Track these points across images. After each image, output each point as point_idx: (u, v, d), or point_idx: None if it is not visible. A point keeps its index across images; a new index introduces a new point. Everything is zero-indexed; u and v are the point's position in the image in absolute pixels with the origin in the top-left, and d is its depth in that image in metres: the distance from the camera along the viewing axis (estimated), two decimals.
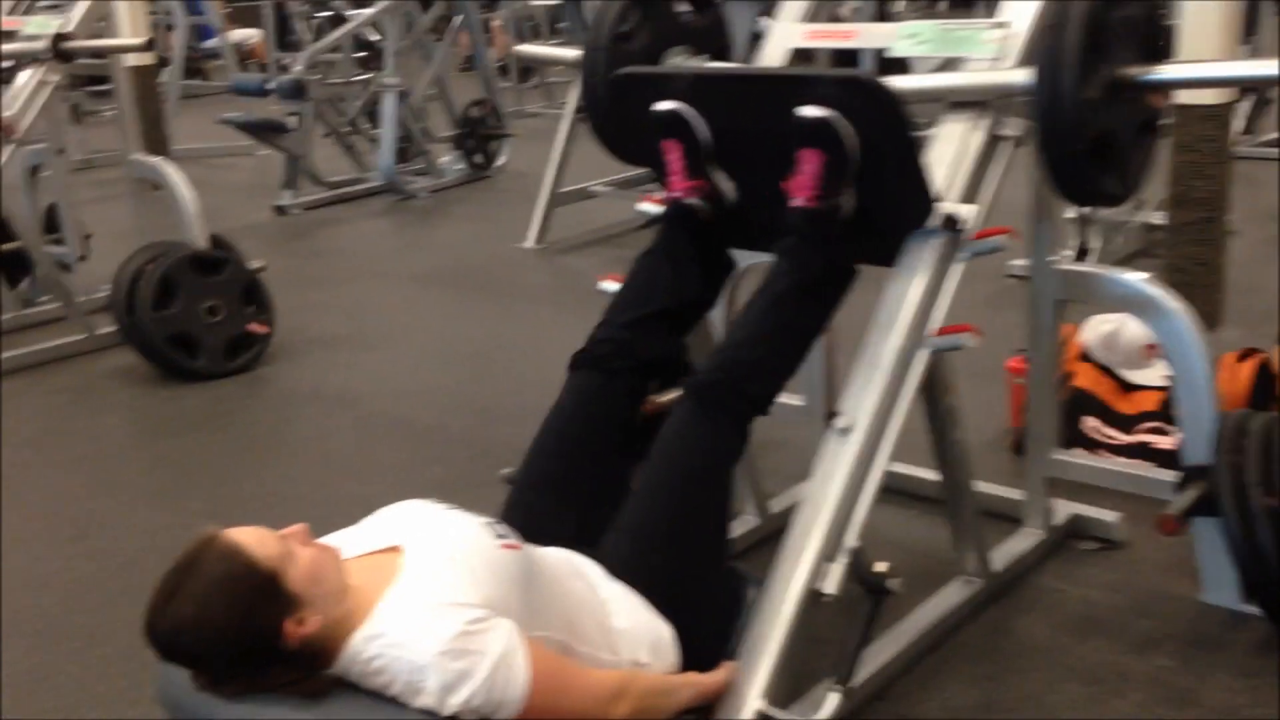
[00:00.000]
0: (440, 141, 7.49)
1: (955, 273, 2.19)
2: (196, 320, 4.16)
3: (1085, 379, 3.17)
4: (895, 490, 2.80)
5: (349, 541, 1.80)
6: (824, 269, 2.17)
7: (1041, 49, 2.10)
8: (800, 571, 2.01)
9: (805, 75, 2.23)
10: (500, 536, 1.82)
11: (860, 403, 2.11)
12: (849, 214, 2.16)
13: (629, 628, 1.89)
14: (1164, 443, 2.97)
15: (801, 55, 2.65)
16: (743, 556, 2.60)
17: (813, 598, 1.99)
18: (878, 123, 2.07)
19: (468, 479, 3.23)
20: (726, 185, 2.33)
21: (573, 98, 5.82)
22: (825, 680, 1.99)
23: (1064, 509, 2.81)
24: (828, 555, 2.02)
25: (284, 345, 4.42)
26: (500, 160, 7.58)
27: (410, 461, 3.48)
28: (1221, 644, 2.38)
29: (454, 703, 1.59)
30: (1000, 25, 2.30)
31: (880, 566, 2.01)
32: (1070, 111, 2.05)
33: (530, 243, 5.81)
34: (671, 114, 2.24)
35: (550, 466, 2.12)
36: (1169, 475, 2.58)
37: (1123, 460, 3.03)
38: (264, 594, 1.58)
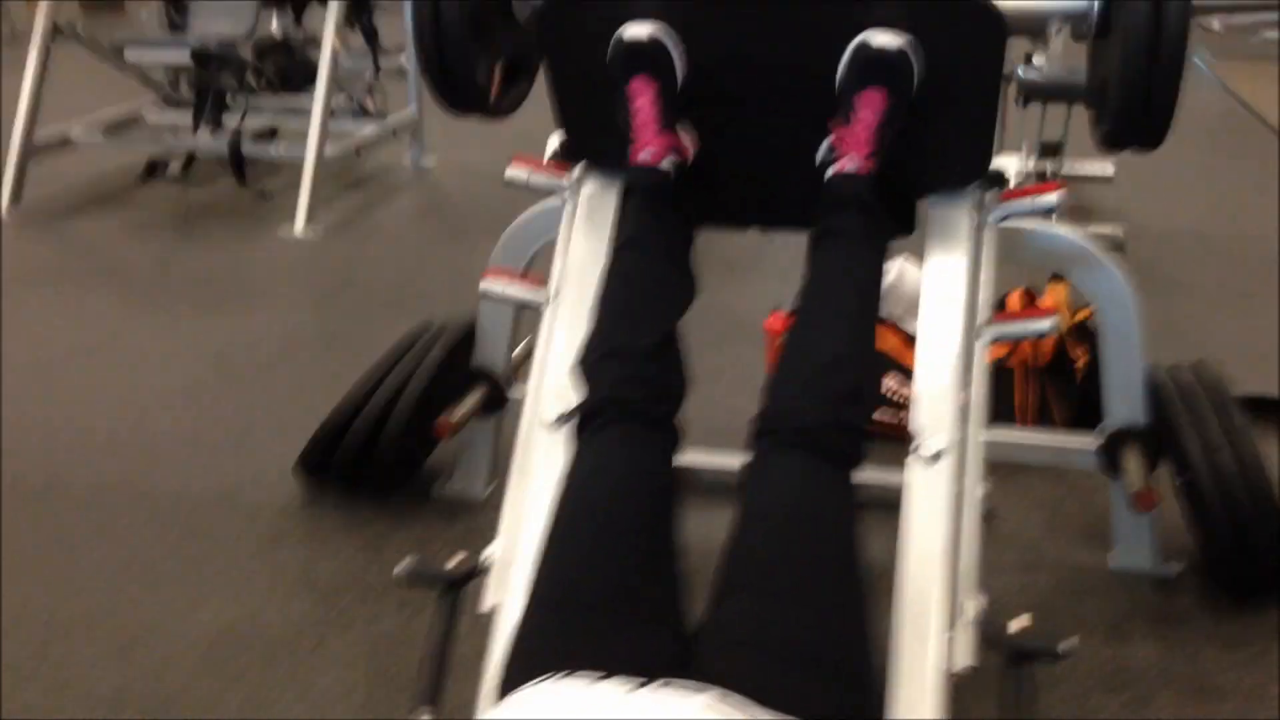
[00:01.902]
0: None
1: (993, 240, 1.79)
2: None
3: (884, 341, 2.90)
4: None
5: None
6: (883, 250, 1.66)
7: None
8: (930, 648, 1.54)
9: None
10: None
11: (939, 415, 1.66)
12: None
13: None
14: None
15: None
16: None
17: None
18: (966, 55, 1.60)
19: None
20: (688, 138, 1.73)
21: (43, 14, 4.57)
22: None
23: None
24: (949, 619, 1.56)
25: None
26: None
27: None
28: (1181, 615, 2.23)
29: None
30: None
31: (1020, 621, 1.59)
32: None
33: (3, 208, 4.51)
34: (651, 43, 1.60)
35: (613, 572, 1.42)
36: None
37: None
38: None
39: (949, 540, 1.61)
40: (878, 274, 1.65)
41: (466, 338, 2.54)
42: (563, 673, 1.22)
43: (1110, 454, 2.25)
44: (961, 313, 1.73)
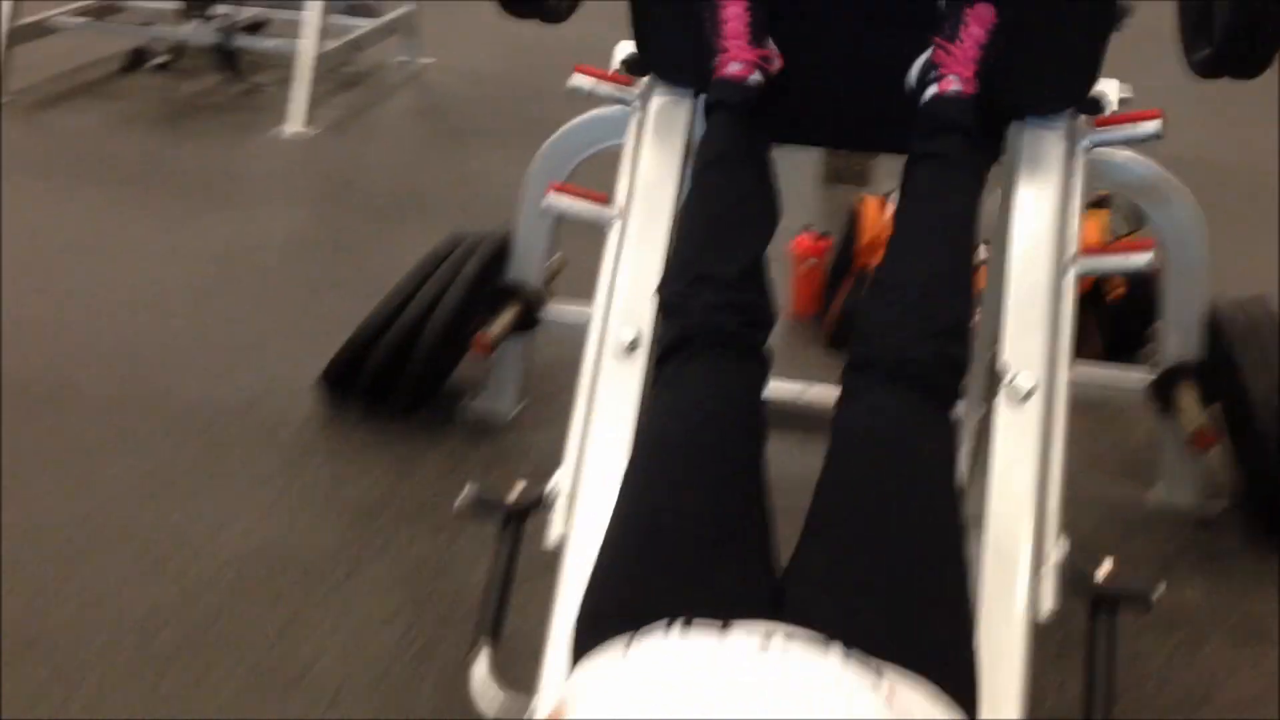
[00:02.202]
0: None
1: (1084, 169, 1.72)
2: None
3: None
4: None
5: None
6: (983, 176, 1.58)
7: None
8: (1018, 593, 1.50)
9: None
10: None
11: (1029, 351, 1.60)
12: None
13: None
14: None
15: None
16: None
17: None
18: None
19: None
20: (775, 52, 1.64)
21: None
22: None
23: None
24: (1037, 564, 1.52)
25: None
26: None
27: None
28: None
29: None
30: None
31: (1105, 567, 1.55)
32: None
33: None
34: None
35: (704, 507, 1.36)
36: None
37: None
38: None
39: (1036, 481, 1.56)
40: (978, 200, 1.58)
41: (499, 253, 2.45)
42: (681, 620, 1.17)
43: (1164, 390, 2.21)
44: (1051, 245, 1.67)
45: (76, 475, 2.31)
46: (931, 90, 1.61)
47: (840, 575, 1.31)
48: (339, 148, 4.24)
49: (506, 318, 2.40)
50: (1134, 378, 2.28)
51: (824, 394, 2.16)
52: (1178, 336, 2.20)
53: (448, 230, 2.73)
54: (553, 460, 2.37)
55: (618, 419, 1.66)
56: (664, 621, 1.16)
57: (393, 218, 3.61)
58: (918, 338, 1.45)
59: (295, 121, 4.28)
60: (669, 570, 1.30)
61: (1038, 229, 1.68)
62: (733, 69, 1.61)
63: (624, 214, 1.79)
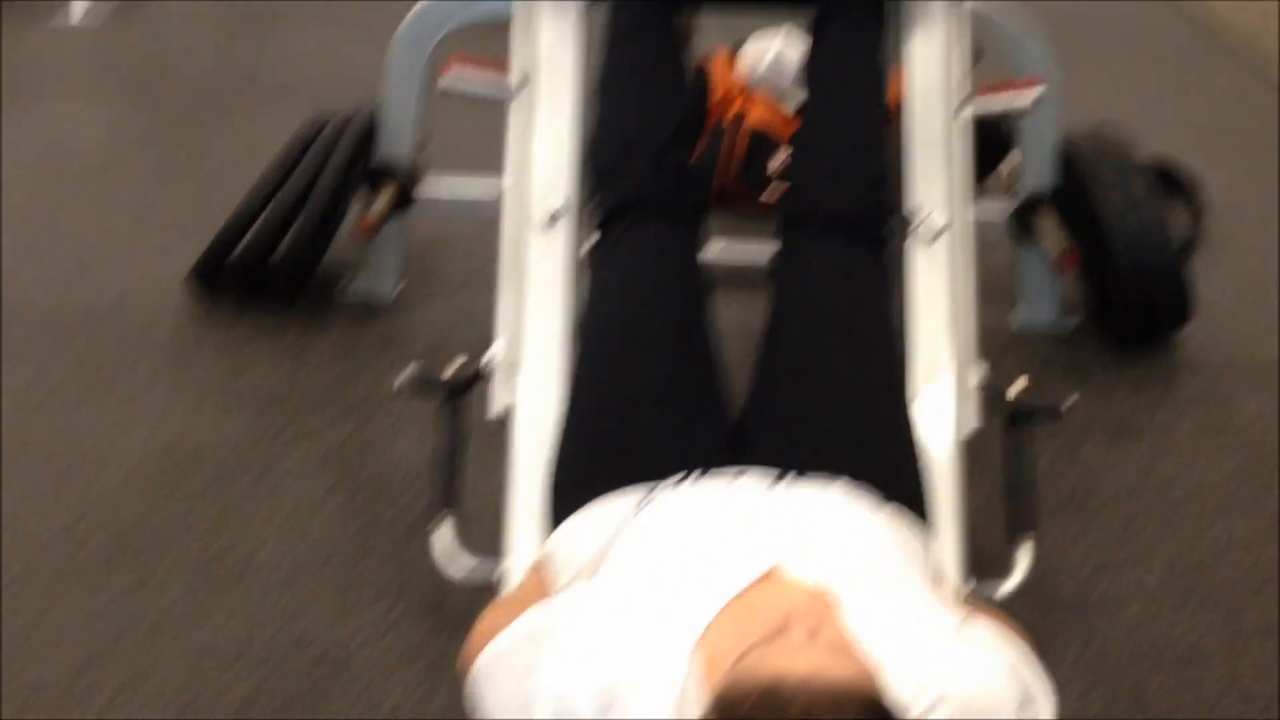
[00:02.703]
0: None
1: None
2: None
3: (760, 113, 2.90)
4: None
5: (691, 580, 1.06)
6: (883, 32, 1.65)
7: None
8: (946, 414, 1.62)
9: None
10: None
11: (934, 195, 1.71)
12: None
13: None
14: None
15: None
16: None
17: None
18: None
19: None
20: None
21: None
22: (1014, 538, 1.65)
23: None
24: (962, 388, 1.65)
25: None
26: None
27: None
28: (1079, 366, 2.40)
29: None
30: None
31: (1019, 385, 1.69)
32: None
33: None
34: None
35: (662, 370, 1.42)
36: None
37: None
38: None
39: (950, 314, 1.68)
40: (883, 52, 1.65)
41: (367, 134, 2.40)
42: (696, 472, 1.24)
43: (1025, 218, 2.37)
44: (944, 93, 1.76)
45: None
46: None
47: (795, 414, 1.40)
48: (136, 33, 4.00)
49: (384, 199, 2.37)
50: (994, 209, 2.43)
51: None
52: (1035, 167, 2.34)
53: (279, 115, 2.65)
54: (445, 337, 2.42)
55: (549, 289, 1.68)
56: (675, 477, 1.23)
57: (216, 105, 3.45)
58: (848, 192, 1.54)
59: (76, 9, 4.02)
60: (638, 435, 1.37)
61: (930, 81, 1.77)
62: None
63: (528, 85, 1.79)
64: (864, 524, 1.17)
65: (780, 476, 1.22)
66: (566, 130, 1.75)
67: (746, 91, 2.93)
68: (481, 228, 2.50)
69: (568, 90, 1.78)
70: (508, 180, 1.78)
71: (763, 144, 2.87)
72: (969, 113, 1.79)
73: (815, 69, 1.69)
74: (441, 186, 2.49)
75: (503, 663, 1.08)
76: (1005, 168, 2.64)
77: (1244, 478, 2.08)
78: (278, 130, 2.53)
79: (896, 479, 1.40)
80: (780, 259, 1.55)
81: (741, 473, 1.23)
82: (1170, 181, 2.96)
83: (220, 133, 3.27)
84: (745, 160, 2.86)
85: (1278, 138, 3.30)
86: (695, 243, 1.55)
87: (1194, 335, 2.43)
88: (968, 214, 1.75)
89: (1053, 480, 2.07)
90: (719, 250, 2.37)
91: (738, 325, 2.27)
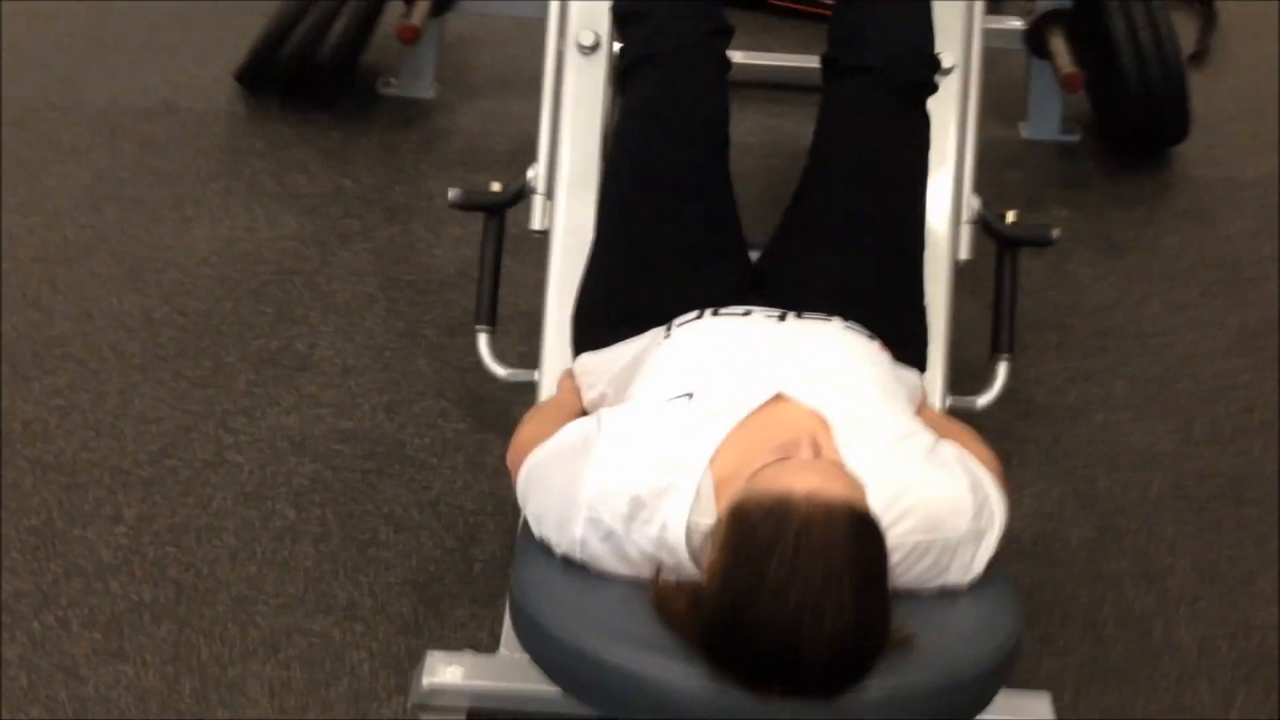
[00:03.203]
0: None
1: None
2: None
3: None
4: None
5: (702, 402, 1.26)
6: None
7: None
8: (943, 244, 1.79)
9: None
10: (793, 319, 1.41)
11: (948, 28, 1.82)
12: None
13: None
14: None
15: None
16: None
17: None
18: None
19: None
20: None
21: None
22: (994, 356, 1.84)
23: None
24: (956, 218, 1.81)
25: None
26: None
27: None
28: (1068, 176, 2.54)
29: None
30: None
31: (1010, 216, 1.85)
32: None
33: None
34: None
35: (689, 218, 1.57)
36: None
37: None
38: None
39: (958, 148, 1.82)
40: None
41: None
42: (710, 309, 1.42)
43: (1038, 35, 2.46)
44: None
45: (21, 190, 2.36)
46: None
47: (813, 273, 1.55)
48: None
49: (425, 2, 2.47)
50: (1011, 26, 2.52)
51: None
52: None
53: None
54: (481, 142, 2.55)
55: (586, 116, 1.82)
56: (694, 312, 1.41)
57: None
58: (899, 38, 1.64)
59: None
60: (662, 278, 1.54)
61: None
62: None
63: None
64: (856, 356, 1.36)
65: (784, 315, 1.40)
66: None
67: None
68: (514, 26, 2.63)
69: None
70: (550, 5, 1.89)
71: None
72: None
73: None
74: None
75: (548, 470, 1.27)
76: None
77: (1215, 294, 2.26)
78: None
79: (906, 316, 1.58)
80: (824, 109, 1.67)
81: (750, 311, 1.41)
82: None
83: None
84: None
85: None
86: (722, 90, 1.66)
87: (1189, 150, 2.56)
88: (977, 50, 1.86)
89: (1041, 294, 2.24)
90: (742, 59, 2.49)
91: (755, 126, 2.42)
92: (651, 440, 1.22)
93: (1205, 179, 2.52)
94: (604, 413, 1.30)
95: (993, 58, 2.66)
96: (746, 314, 1.41)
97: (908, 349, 1.52)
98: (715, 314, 1.42)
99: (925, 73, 1.64)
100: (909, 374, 1.50)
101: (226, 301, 2.16)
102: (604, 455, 1.21)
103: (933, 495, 1.21)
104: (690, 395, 1.28)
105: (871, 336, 1.42)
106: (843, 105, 1.64)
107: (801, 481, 1.07)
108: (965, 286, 1.99)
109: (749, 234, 1.64)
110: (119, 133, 2.53)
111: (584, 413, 1.48)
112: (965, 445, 1.34)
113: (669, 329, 1.42)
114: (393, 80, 2.66)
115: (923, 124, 1.65)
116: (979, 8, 1.87)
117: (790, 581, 1.01)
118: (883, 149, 1.62)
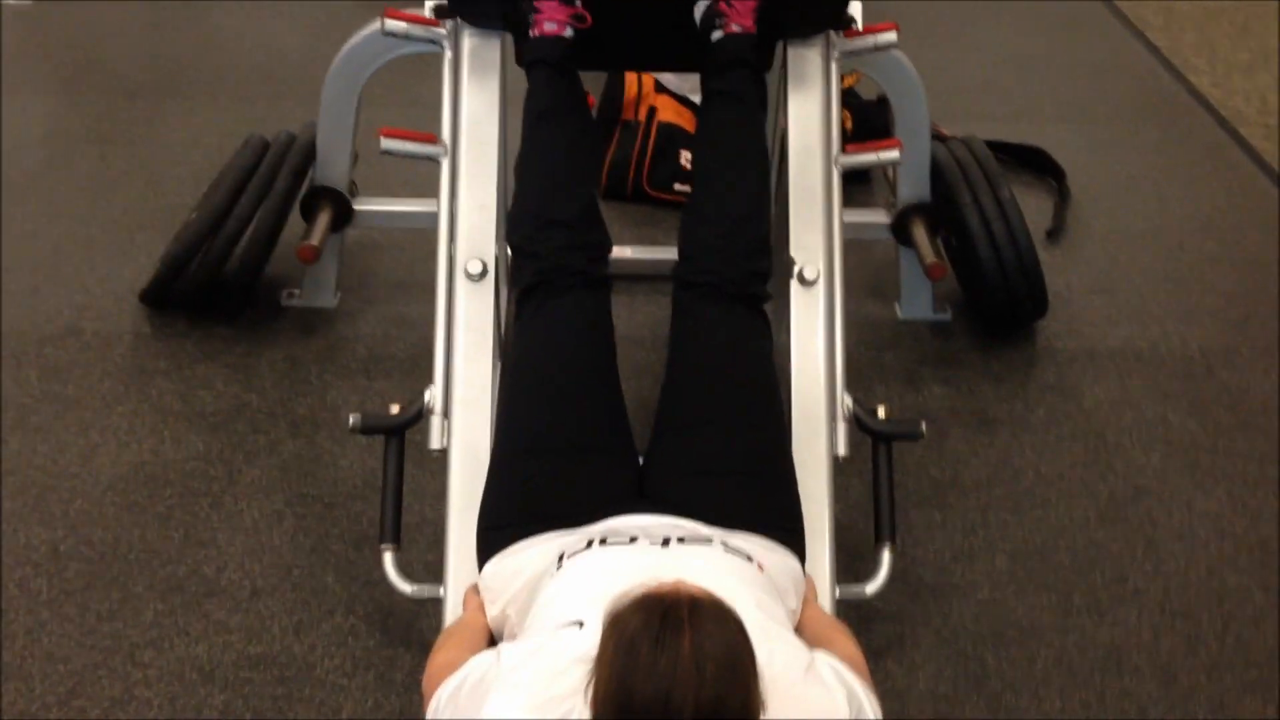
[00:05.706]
0: None
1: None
2: None
3: (668, 112, 3.13)
4: None
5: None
6: (765, 103, 1.90)
7: None
8: (821, 441, 1.90)
9: None
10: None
11: (811, 243, 1.96)
12: None
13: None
14: None
15: None
16: None
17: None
18: None
19: None
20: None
21: None
22: (878, 544, 1.94)
23: None
24: (831, 416, 1.92)
25: None
26: None
27: None
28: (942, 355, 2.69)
29: None
30: None
31: (881, 411, 1.97)
32: None
33: None
34: None
35: (577, 423, 1.67)
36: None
37: None
38: None
39: (826, 350, 1.95)
40: (765, 126, 1.91)
41: (306, 159, 2.60)
42: (598, 540, 1.50)
43: (902, 227, 2.64)
44: (821, 151, 2.00)
45: None
46: (718, 33, 1.88)
47: (689, 463, 1.67)
48: (66, 15, 4.11)
49: (324, 222, 2.58)
50: (878, 218, 2.70)
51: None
52: (909, 181, 2.61)
53: (210, 109, 2.77)
54: (383, 348, 2.64)
55: (477, 338, 1.92)
56: (584, 541, 1.50)
57: (149, 97, 3.60)
58: (732, 261, 1.79)
59: None
60: (556, 480, 1.64)
61: (808, 140, 2.01)
62: (549, 27, 1.84)
63: (452, 150, 2.01)
64: (736, 575, 1.45)
65: (667, 541, 1.50)
66: (487, 192, 1.98)
67: (657, 90, 3.17)
68: (413, 233, 2.74)
69: (489, 155, 2.00)
70: (440, 231, 2.00)
71: (673, 137, 3.12)
72: (840, 166, 2.04)
73: (703, 142, 1.93)
74: (375, 203, 2.72)
75: (455, 702, 1.34)
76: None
77: (1084, 464, 2.39)
78: (213, 123, 2.70)
79: (779, 508, 1.68)
80: (674, 318, 1.81)
81: (635, 538, 1.50)
82: (1041, 164, 3.28)
83: (152, 129, 3.43)
84: (657, 152, 3.11)
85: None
86: (605, 306, 1.79)
87: (1050, 325, 2.73)
88: (839, 261, 2.00)
89: (923, 472, 2.37)
90: (631, 254, 2.66)
91: (646, 318, 2.53)
92: (544, 676, 1.29)
93: (1067, 351, 2.69)
94: (503, 648, 1.37)
95: (867, 242, 2.89)
96: (632, 541, 1.50)
97: (784, 533, 1.63)
98: (603, 543, 1.50)
99: (757, 288, 1.80)
100: (790, 565, 1.60)
101: (134, 529, 2.19)
102: (500, 695, 1.28)
103: (812, 713, 1.29)
104: (581, 624, 1.35)
105: (749, 558, 1.51)
106: (687, 311, 1.79)
107: (669, 583, 1.18)
108: (852, 469, 2.11)
109: (643, 426, 1.74)
110: (22, 360, 2.57)
111: (489, 631, 1.56)
112: (836, 646, 1.43)
113: (560, 561, 1.50)
114: (295, 291, 2.76)
115: (763, 325, 1.80)
116: (837, 225, 2.00)
117: (659, 654, 1.09)
118: (725, 348, 1.75)
